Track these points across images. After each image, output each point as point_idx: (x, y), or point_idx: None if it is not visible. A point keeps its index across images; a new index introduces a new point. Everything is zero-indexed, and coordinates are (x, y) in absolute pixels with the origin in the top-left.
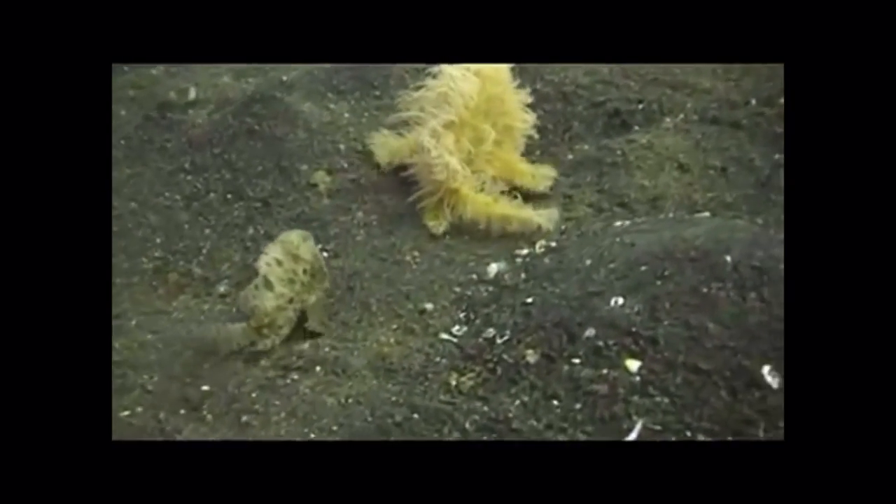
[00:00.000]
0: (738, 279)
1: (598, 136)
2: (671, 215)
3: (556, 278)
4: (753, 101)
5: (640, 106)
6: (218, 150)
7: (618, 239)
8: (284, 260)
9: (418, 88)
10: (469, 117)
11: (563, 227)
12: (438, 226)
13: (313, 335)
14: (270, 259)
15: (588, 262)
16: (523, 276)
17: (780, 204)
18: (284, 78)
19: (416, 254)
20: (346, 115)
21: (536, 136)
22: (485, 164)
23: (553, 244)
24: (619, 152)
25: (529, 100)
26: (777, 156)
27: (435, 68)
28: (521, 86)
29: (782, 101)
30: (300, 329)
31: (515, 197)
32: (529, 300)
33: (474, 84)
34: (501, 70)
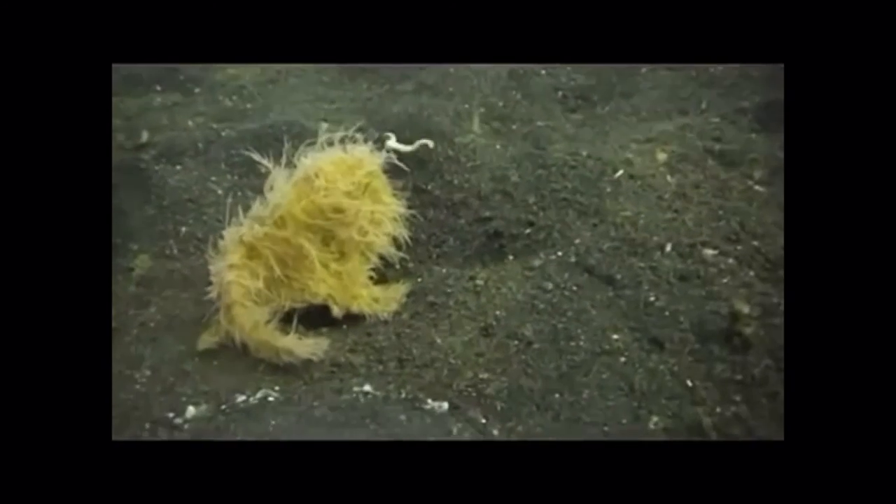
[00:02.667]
0: None
1: (468, 258)
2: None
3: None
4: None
5: (527, 231)
6: None
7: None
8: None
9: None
10: (291, 227)
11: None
12: (204, 341)
13: None
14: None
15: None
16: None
17: None
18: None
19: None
20: (219, 192)
21: (395, 251)
22: (310, 282)
23: (272, 397)
24: (467, 287)
25: (403, 210)
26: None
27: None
28: (411, 188)
29: None
30: None
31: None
32: None
33: (303, 187)
34: (374, 173)
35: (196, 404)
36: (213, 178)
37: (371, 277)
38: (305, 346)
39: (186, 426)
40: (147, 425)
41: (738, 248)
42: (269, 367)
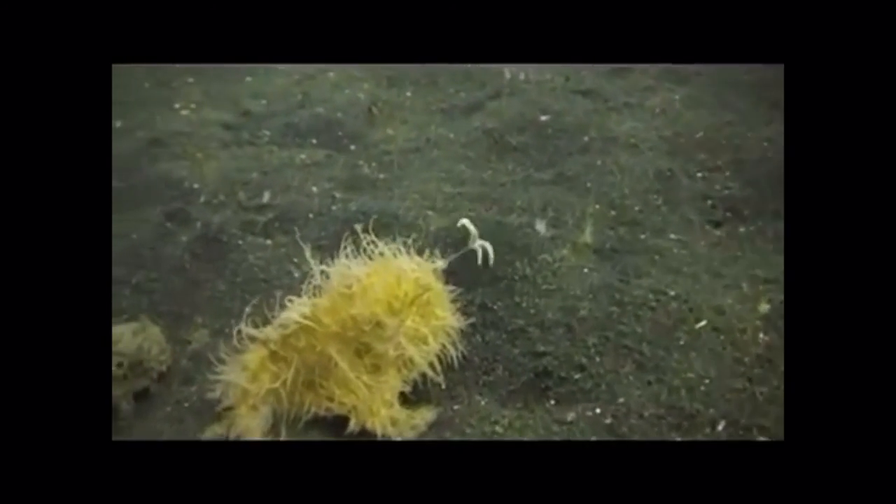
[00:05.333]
0: None
1: (511, 393)
2: None
3: None
4: None
5: (577, 376)
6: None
7: None
8: None
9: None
10: (320, 335)
11: None
12: (210, 431)
13: None
14: None
15: None
16: None
17: None
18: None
19: None
20: (295, 275)
21: (436, 371)
22: (337, 391)
23: None
24: (486, 431)
25: (459, 326)
26: None
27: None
28: (478, 304)
29: None
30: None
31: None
32: None
33: (338, 298)
34: (427, 285)
35: None
36: (296, 260)
37: (403, 393)
38: None
39: None
40: None
41: None
42: None
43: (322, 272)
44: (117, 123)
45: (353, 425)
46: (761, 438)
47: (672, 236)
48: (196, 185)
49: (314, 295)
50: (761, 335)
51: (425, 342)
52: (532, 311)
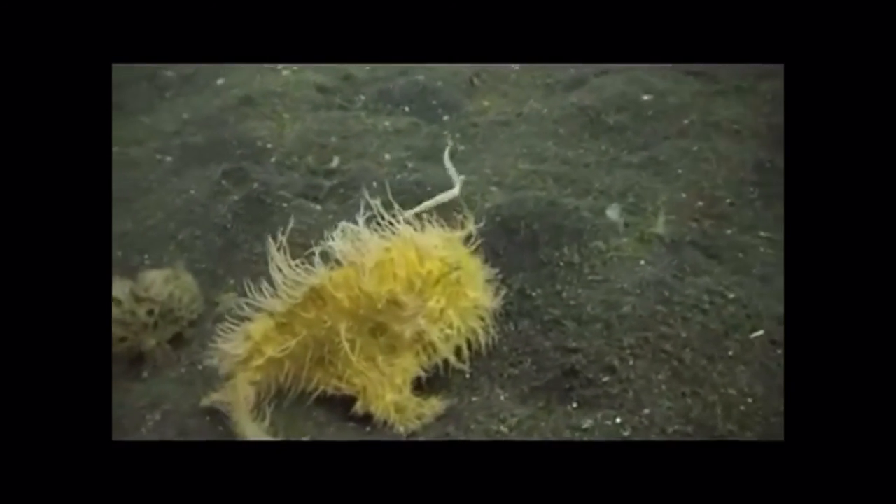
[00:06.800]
0: None
1: (535, 390)
2: None
3: None
4: None
5: (605, 379)
6: None
7: None
8: (124, 300)
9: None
10: (331, 309)
11: None
12: (209, 398)
13: None
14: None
15: None
16: None
17: None
18: None
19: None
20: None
21: (455, 360)
22: (348, 370)
23: None
24: (489, 430)
25: (491, 308)
26: None
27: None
28: (517, 290)
29: None
30: (141, 367)
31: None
32: None
33: (350, 272)
34: (455, 264)
35: None
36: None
37: (420, 379)
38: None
39: None
40: None
41: None
42: None
43: (330, 246)
44: (219, 81)
45: (357, 407)
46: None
47: (762, 234)
48: (270, 146)
49: (333, 267)
50: None
51: (450, 326)
52: (572, 302)
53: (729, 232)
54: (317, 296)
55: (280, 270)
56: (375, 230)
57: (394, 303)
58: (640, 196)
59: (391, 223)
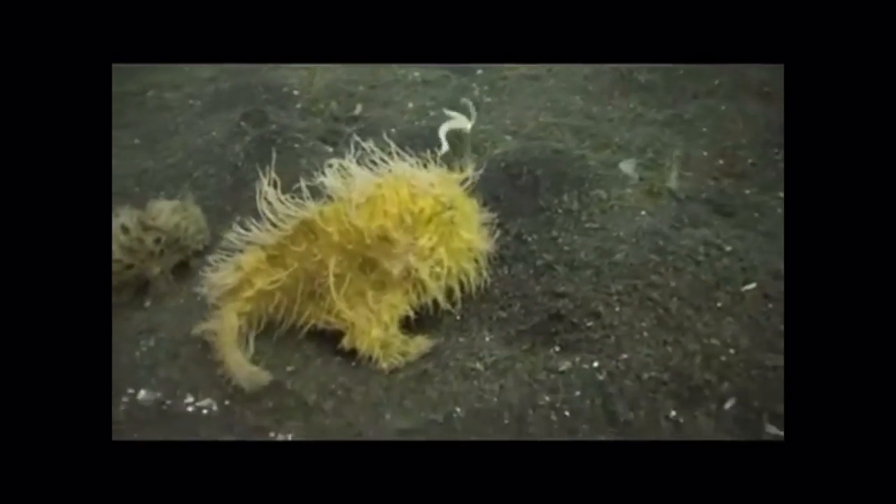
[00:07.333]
0: None
1: (521, 333)
2: None
3: None
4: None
5: (589, 324)
6: None
7: None
8: (132, 228)
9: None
10: (322, 243)
11: None
12: (199, 328)
13: None
14: (116, 225)
15: None
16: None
17: None
18: None
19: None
20: None
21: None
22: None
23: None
24: (465, 367)
25: (486, 250)
26: None
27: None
28: (514, 234)
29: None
30: (145, 295)
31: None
32: None
33: (340, 206)
34: (450, 203)
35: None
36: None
37: (408, 318)
38: (247, 371)
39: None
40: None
41: None
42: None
43: (321, 182)
44: None
45: (344, 342)
46: (767, 428)
47: (781, 195)
48: (296, 93)
49: (326, 203)
50: None
51: (440, 264)
52: (566, 248)
53: (748, 192)
54: (308, 229)
55: (270, 204)
56: (370, 168)
57: (384, 239)
58: (660, 152)
59: (385, 161)
